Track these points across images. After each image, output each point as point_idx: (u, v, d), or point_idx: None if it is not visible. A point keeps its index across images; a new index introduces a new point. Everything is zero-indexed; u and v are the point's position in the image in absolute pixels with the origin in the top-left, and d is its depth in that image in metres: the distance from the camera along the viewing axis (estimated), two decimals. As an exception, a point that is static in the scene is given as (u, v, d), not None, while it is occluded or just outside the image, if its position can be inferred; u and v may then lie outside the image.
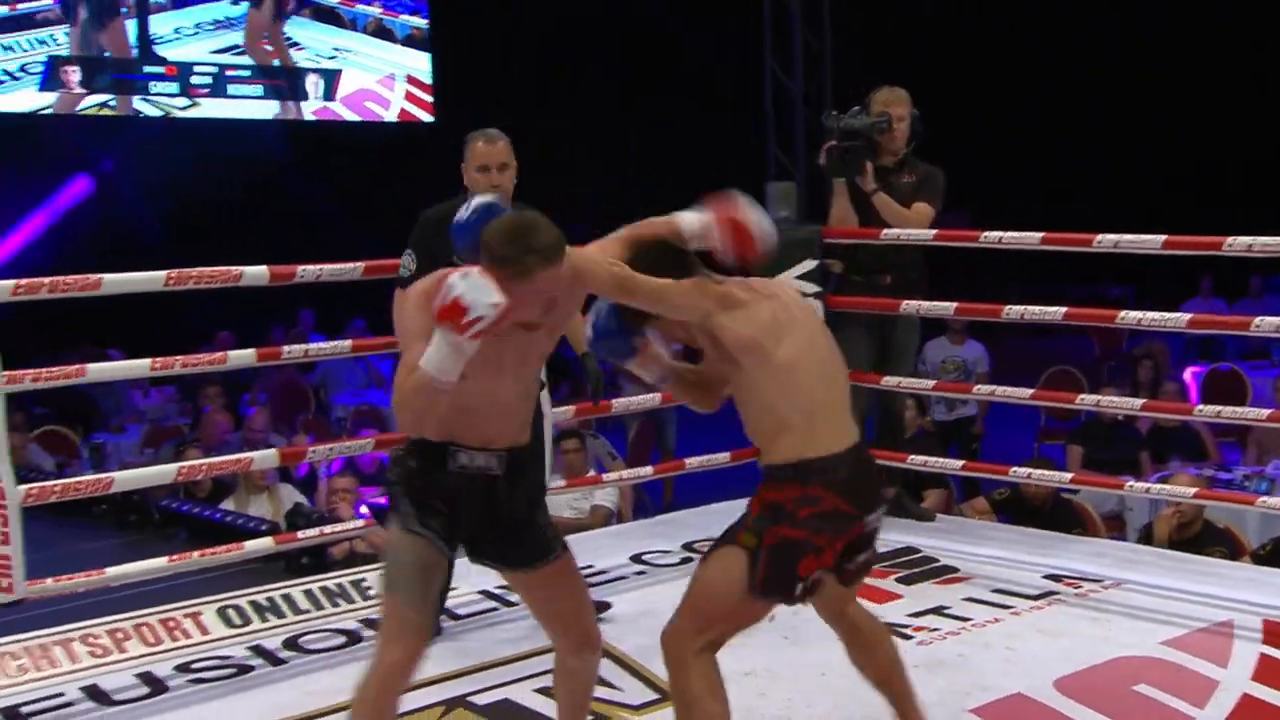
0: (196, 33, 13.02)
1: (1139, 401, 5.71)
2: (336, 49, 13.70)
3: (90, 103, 12.49)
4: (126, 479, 4.43)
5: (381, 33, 13.99)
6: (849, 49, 9.60)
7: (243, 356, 4.54)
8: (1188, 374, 9.62)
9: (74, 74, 12.20)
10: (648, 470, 6.00)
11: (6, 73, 11.93)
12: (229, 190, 12.90)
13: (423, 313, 2.71)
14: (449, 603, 4.29)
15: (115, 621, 4.19)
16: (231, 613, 4.34)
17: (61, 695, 3.84)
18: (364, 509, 6.47)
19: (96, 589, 4.17)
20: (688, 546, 5.08)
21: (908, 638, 3.99)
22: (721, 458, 5.45)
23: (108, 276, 4.01)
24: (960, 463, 5.54)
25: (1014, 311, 4.84)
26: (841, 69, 9.44)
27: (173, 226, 12.49)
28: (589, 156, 13.81)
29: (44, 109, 12.27)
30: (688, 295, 2.90)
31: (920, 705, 3.16)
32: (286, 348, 4.60)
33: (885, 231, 4.99)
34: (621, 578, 4.78)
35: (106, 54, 12.47)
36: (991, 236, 4.82)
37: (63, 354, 8.53)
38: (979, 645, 4.02)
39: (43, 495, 3.99)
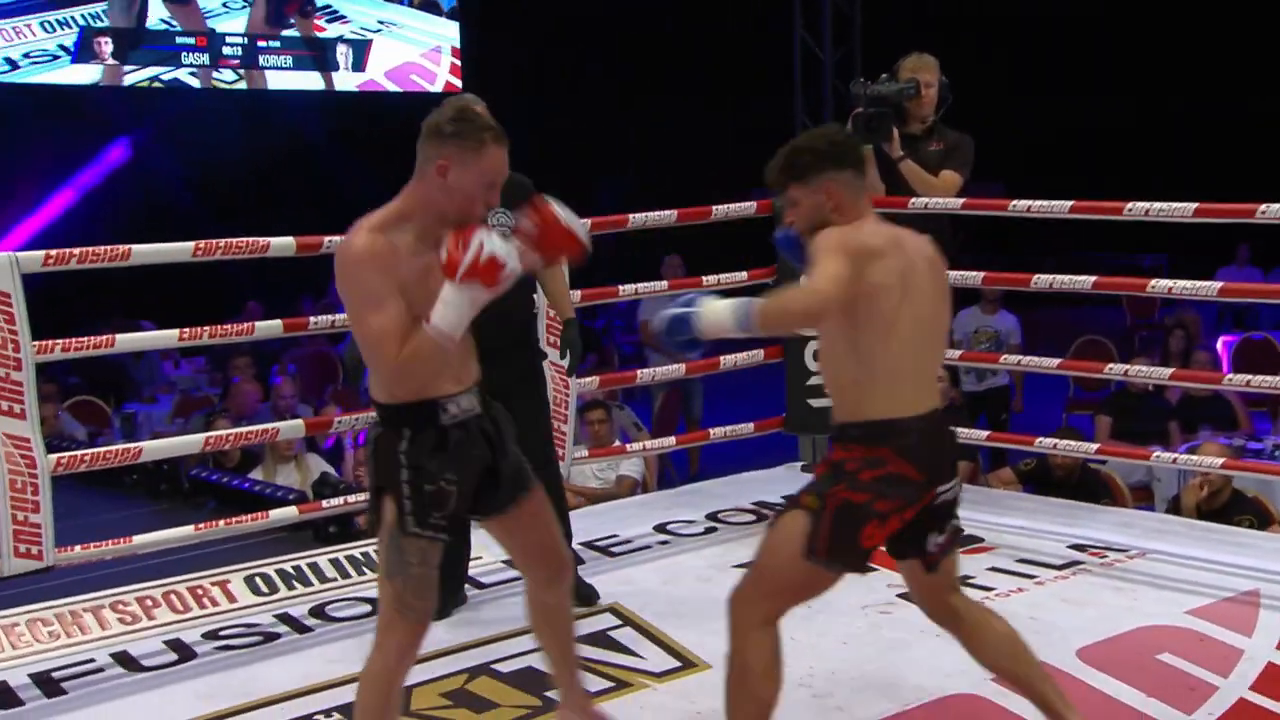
0: (245, 7, 13.04)
1: (1167, 371, 5.68)
2: (381, 21, 13.67)
3: (134, 77, 12.53)
4: (155, 448, 4.47)
5: (427, 5, 13.95)
6: (880, 16, 9.54)
7: (270, 327, 4.57)
8: (1220, 343, 9.55)
9: (106, 45, 12.24)
10: (671, 441, 6.02)
11: (48, 51, 11.98)
12: (265, 161, 12.95)
13: (384, 275, 2.68)
14: (472, 571, 4.33)
15: (145, 589, 4.22)
16: (259, 581, 4.37)
17: (92, 661, 3.88)
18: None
19: (127, 557, 4.23)
20: (712, 516, 5.09)
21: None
22: (746, 428, 5.46)
23: (137, 247, 4.05)
24: (985, 433, 5.52)
25: (1043, 280, 4.82)
26: (871, 37, 9.38)
27: (208, 198, 12.56)
28: (621, 127, 13.80)
29: (83, 82, 12.31)
30: (841, 271, 2.74)
31: (1060, 695, 3.00)
32: (314, 318, 4.60)
33: (913, 200, 4.96)
34: (646, 547, 4.80)
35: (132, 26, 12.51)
36: (1020, 205, 4.79)
37: (95, 325, 8.61)
38: (1003, 615, 4.01)
39: (72, 464, 4.02)
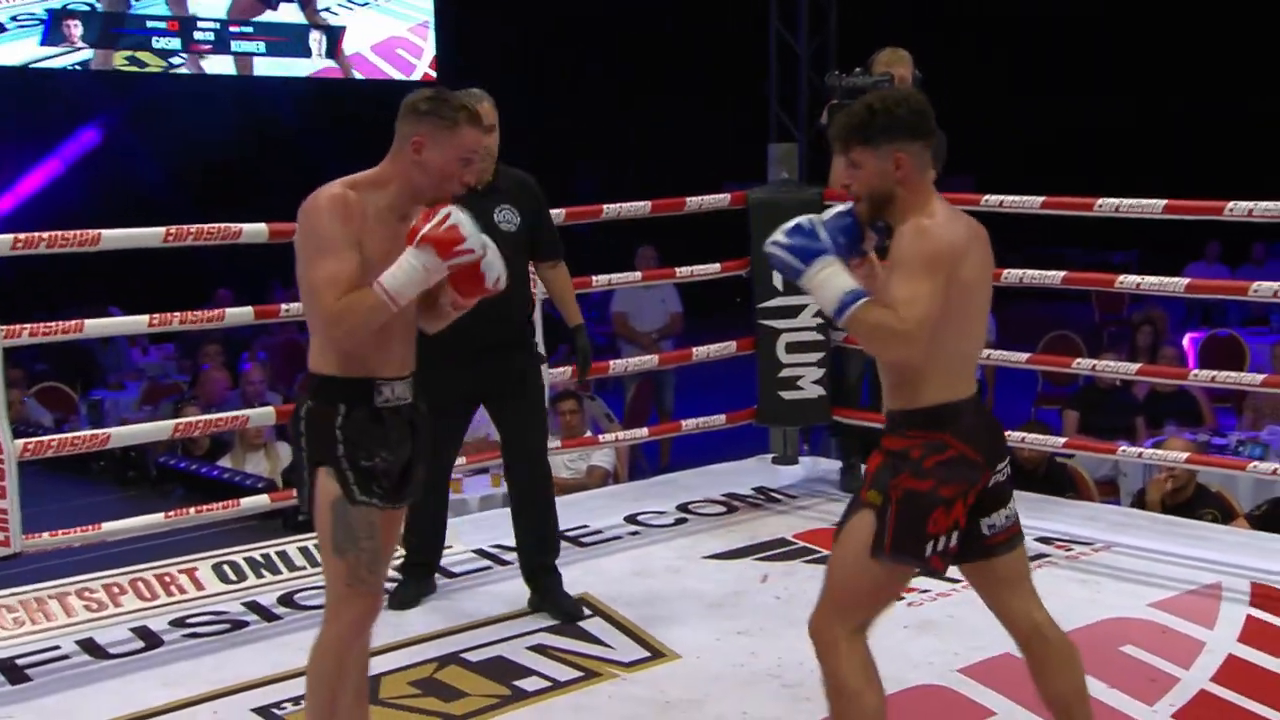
0: None
1: (1134, 366, 5.71)
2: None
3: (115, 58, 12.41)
4: (124, 435, 4.45)
5: None
6: (855, 8, 9.55)
7: (241, 314, 4.55)
8: (1186, 340, 9.63)
9: (75, 27, 12.14)
10: (643, 432, 6.03)
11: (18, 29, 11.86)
12: (237, 147, 12.87)
13: (346, 224, 2.68)
14: (442, 560, 4.33)
15: (111, 576, 4.20)
16: (227, 569, 4.36)
17: (57, 648, 3.87)
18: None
19: (93, 544, 4.20)
20: (682, 507, 5.12)
21: (899, 599, 4.01)
22: (718, 420, 5.47)
23: (107, 232, 4.02)
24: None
25: (1012, 275, 4.85)
26: (846, 29, 9.40)
27: (179, 183, 12.49)
28: (596, 119, 13.80)
29: (45, 59, 12.19)
30: (932, 287, 2.62)
31: None
32: (285, 306, 4.59)
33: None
34: (616, 538, 4.82)
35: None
36: (993, 200, 4.81)
37: (63, 310, 8.55)
38: (968, 606, 3.95)
39: (39, 450, 4.00)
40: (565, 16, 13.75)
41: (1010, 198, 4.80)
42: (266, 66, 13.32)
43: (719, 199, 5.38)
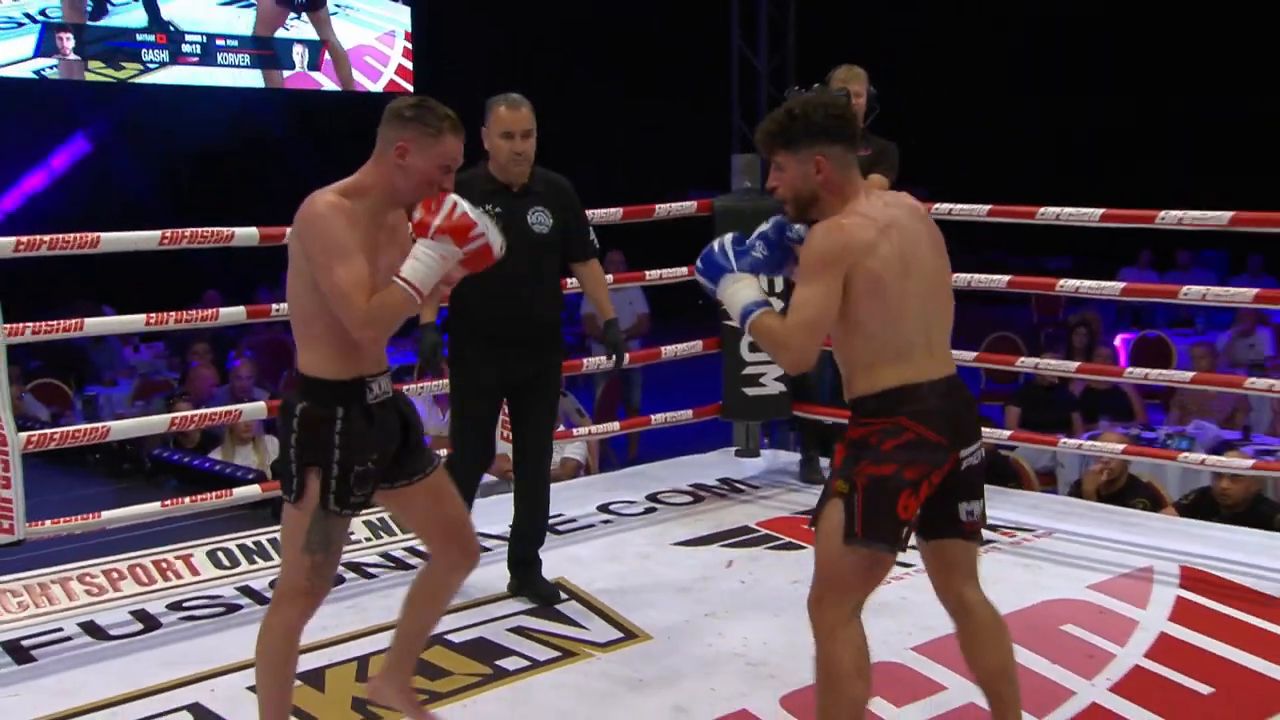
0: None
1: (1073, 365, 5.77)
2: (338, 4, 13.51)
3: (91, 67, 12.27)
4: (123, 428, 4.42)
5: None
6: (812, 27, 9.62)
7: (234, 313, 4.52)
8: (1118, 340, 9.72)
9: (68, 40, 12.02)
10: (615, 426, 6.05)
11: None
12: (221, 155, 12.79)
13: (350, 229, 2.66)
14: (425, 547, 4.32)
15: (111, 562, 4.19)
16: (221, 555, 4.36)
17: (60, 630, 3.86)
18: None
19: (93, 532, 4.18)
20: (651, 497, 5.13)
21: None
22: (684, 414, 5.50)
23: (106, 235, 4.00)
24: (905, 420, 5.58)
25: (961, 279, 4.88)
26: (804, 46, 9.45)
27: (167, 189, 12.39)
28: (566, 121, 13.76)
29: (42, 69, 12.06)
30: (833, 286, 2.61)
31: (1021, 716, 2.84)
32: (275, 306, 4.57)
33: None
34: (590, 525, 4.83)
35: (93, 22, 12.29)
36: (941, 208, 4.85)
37: (55, 311, 8.46)
38: (920, 589, 3.95)
39: (42, 443, 3.98)
40: (552, 23, 13.73)
41: (959, 206, 4.85)
42: (246, 77, 13.24)
43: (686, 206, 5.40)
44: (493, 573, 4.17)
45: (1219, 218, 4.36)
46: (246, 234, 4.29)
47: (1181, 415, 7.27)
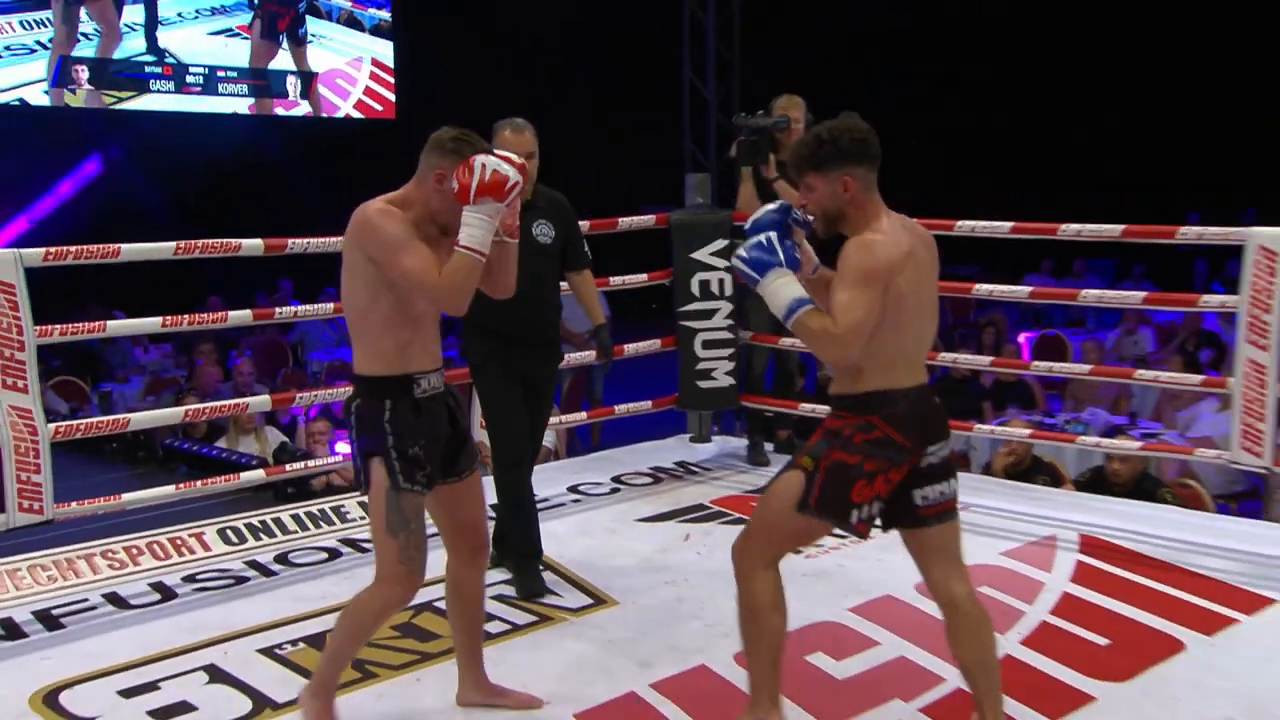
0: (197, 17, 12.66)
1: (987, 359, 5.84)
2: (313, 35, 13.40)
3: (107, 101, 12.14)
4: (142, 419, 4.38)
5: (352, 22, 13.73)
6: (756, 60, 9.67)
7: (241, 316, 4.48)
8: (1021, 338, 9.81)
9: (82, 72, 11.86)
10: (582, 415, 6.03)
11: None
12: (221, 176, 12.67)
13: (403, 224, 2.64)
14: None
15: (131, 539, 4.16)
16: (230, 533, 4.32)
17: (86, 600, 3.82)
18: (338, 448, 6.47)
19: (114, 513, 4.14)
20: (616, 479, 5.12)
21: (797, 553, 4.04)
22: (644, 405, 5.50)
23: (126, 246, 3.94)
24: (840, 410, 5.62)
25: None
26: (748, 79, 9.50)
27: (172, 206, 12.25)
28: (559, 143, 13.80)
29: (61, 104, 11.92)
30: (868, 301, 2.60)
31: (999, 706, 2.78)
32: (278, 309, 4.56)
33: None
34: (561, 504, 4.81)
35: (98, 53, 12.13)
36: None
37: (72, 316, 8.35)
38: (855, 558, 4.09)
39: (69, 432, 3.93)
40: (523, 58, 13.69)
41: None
42: (244, 105, 13.13)
43: (645, 219, 5.41)
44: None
45: (1112, 230, 4.42)
46: (252, 244, 4.24)
47: (1077, 404, 7.37)
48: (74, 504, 3.91)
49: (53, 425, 3.82)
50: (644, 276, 5.38)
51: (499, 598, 3.79)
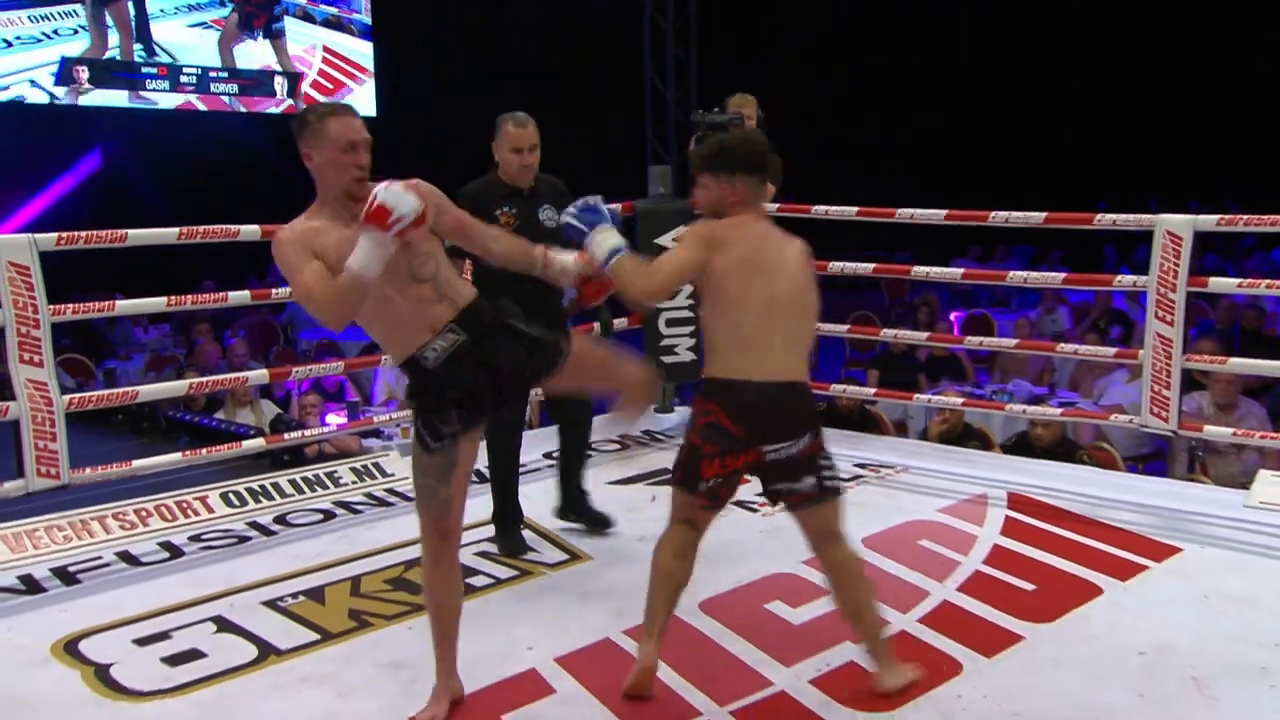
0: (176, 12, 12.41)
1: (924, 334, 5.89)
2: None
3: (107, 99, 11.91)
4: (150, 391, 4.33)
5: (306, 17, 13.52)
6: (711, 62, 9.65)
7: (240, 296, 4.42)
8: (953, 316, 9.90)
9: (83, 72, 11.63)
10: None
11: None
12: (213, 170, 12.47)
13: (296, 248, 2.51)
14: (404, 488, 4.28)
15: (140, 503, 4.12)
16: (232, 496, 4.29)
17: (100, 558, 3.80)
18: (329, 419, 6.42)
19: (125, 478, 4.09)
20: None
21: (754, 511, 4.05)
22: (610, 379, 5.49)
23: (132, 231, 3.89)
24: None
25: (835, 267, 4.96)
26: (704, 78, 9.48)
27: (167, 196, 12.07)
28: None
29: (64, 102, 11.67)
30: (696, 255, 2.66)
31: (885, 645, 2.81)
32: (275, 290, 4.50)
33: (738, 205, 5.04)
34: (538, 469, 4.77)
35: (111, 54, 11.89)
36: (819, 210, 4.91)
37: (75, 297, 8.21)
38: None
39: (82, 404, 3.88)
40: (492, 59, 13.56)
41: (833, 208, 4.91)
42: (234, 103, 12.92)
43: (612, 207, 5.36)
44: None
45: (1035, 217, 4.46)
46: (249, 230, 4.19)
47: (1003, 375, 7.46)
48: (87, 470, 3.87)
49: (67, 397, 3.77)
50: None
51: (483, 554, 3.80)
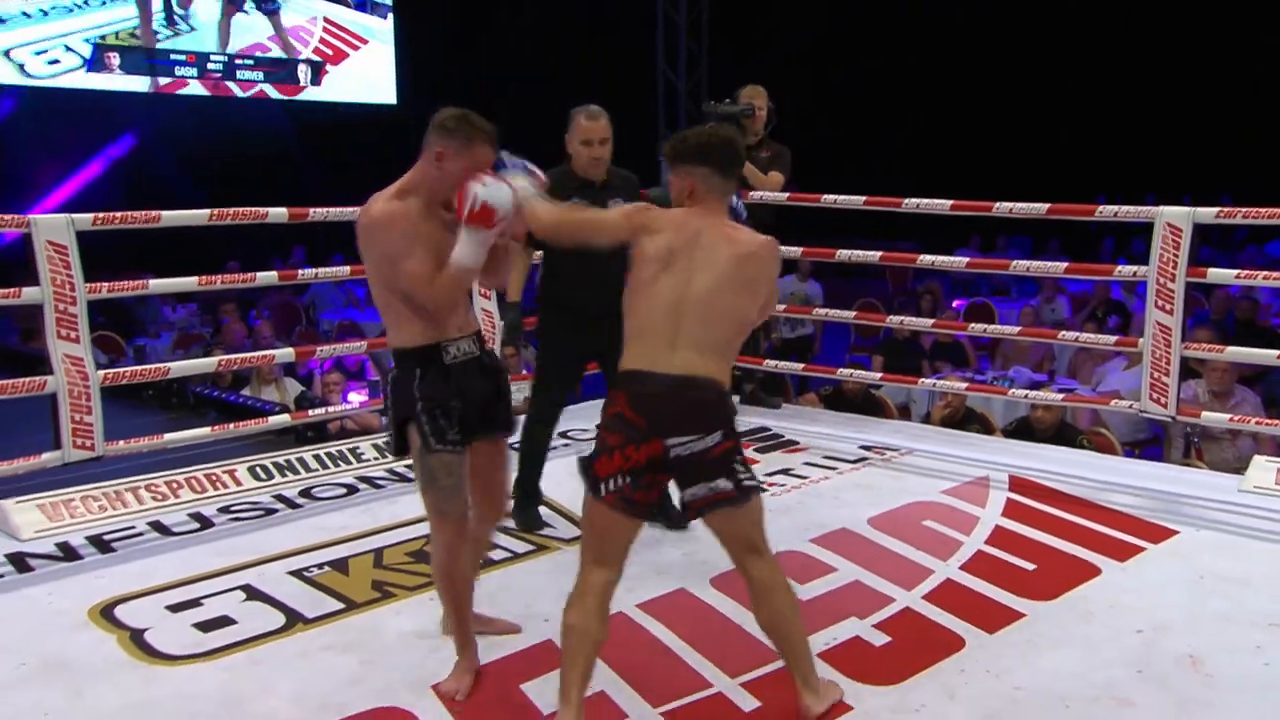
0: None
1: (929, 321, 5.87)
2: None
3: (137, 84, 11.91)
4: (181, 368, 4.35)
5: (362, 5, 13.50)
6: (722, 54, 9.64)
7: (267, 277, 4.44)
8: (955, 304, 9.89)
9: (115, 58, 11.64)
10: (570, 369, 6.00)
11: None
12: (238, 153, 12.47)
13: (402, 231, 2.54)
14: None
15: (171, 475, 4.14)
16: (259, 469, 4.31)
17: (133, 527, 3.82)
18: (351, 397, 6.44)
19: (156, 451, 4.12)
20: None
21: (763, 491, 4.05)
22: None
23: (165, 213, 3.90)
24: (800, 366, 5.62)
25: (844, 254, 4.94)
26: (715, 70, 9.46)
27: (195, 179, 12.09)
28: (527, 132, 13.67)
29: (95, 88, 11.69)
30: (619, 221, 2.60)
31: (809, 666, 2.59)
32: (300, 270, 4.52)
33: (750, 193, 5.04)
34: (553, 448, 4.75)
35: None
36: (829, 199, 4.89)
37: (103, 275, 8.23)
38: (814, 495, 4.14)
39: (116, 379, 3.90)
40: (516, 51, 13.51)
41: (841, 196, 4.89)
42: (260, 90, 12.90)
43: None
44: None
45: (1039, 208, 4.43)
46: (278, 212, 4.21)
47: (1005, 362, 7.44)
48: (121, 442, 3.89)
49: (101, 372, 3.78)
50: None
51: (500, 529, 3.80)
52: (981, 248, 12.88)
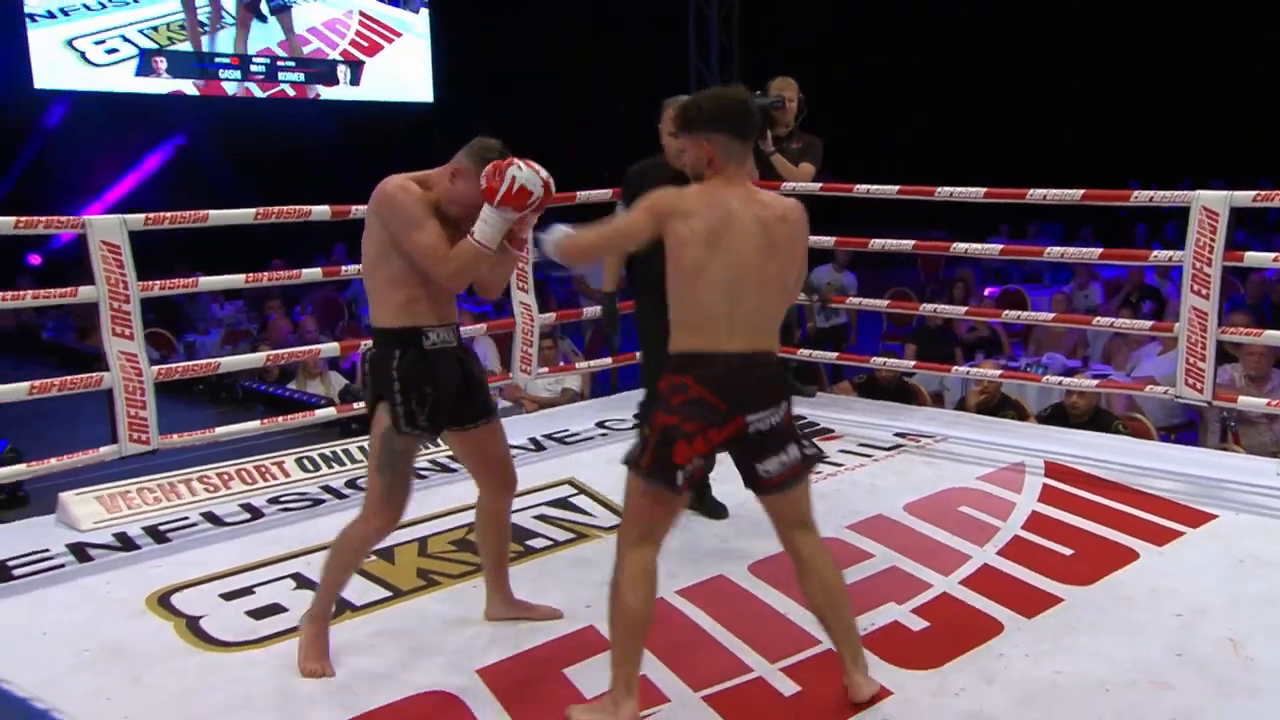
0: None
1: (963, 308, 5.80)
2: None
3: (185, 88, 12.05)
4: (231, 363, 4.40)
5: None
6: (754, 48, 9.59)
7: (312, 274, 4.48)
8: (987, 292, 9.78)
9: (162, 63, 11.78)
10: (608, 360, 6.01)
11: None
12: (282, 152, 12.59)
13: (418, 201, 2.56)
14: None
15: (222, 467, 4.19)
16: (306, 462, 4.35)
17: (187, 518, 3.88)
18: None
19: (209, 444, 4.16)
20: (635, 416, 5.12)
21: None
22: (661, 351, 5.47)
23: (213, 212, 3.95)
24: (835, 354, 5.60)
25: (877, 244, 4.90)
26: (748, 62, 9.41)
27: (237, 182, 12.22)
28: (563, 121, 13.71)
29: (145, 91, 11.84)
30: (641, 220, 2.46)
31: (858, 645, 2.56)
32: (344, 267, 4.54)
33: (782, 185, 5.01)
34: (590, 438, 4.83)
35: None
36: (861, 189, 4.85)
37: (153, 273, 8.35)
38: (850, 483, 4.12)
39: (169, 374, 3.95)
40: (552, 46, 13.52)
41: (874, 186, 4.84)
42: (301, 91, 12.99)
43: (603, 193, 5.21)
44: (528, 472, 4.14)
45: (1072, 195, 4.37)
46: (320, 211, 4.24)
47: (1037, 349, 7.36)
48: (174, 436, 3.94)
49: (155, 368, 3.83)
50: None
51: (541, 518, 3.82)
52: (1011, 236, 12.72)
